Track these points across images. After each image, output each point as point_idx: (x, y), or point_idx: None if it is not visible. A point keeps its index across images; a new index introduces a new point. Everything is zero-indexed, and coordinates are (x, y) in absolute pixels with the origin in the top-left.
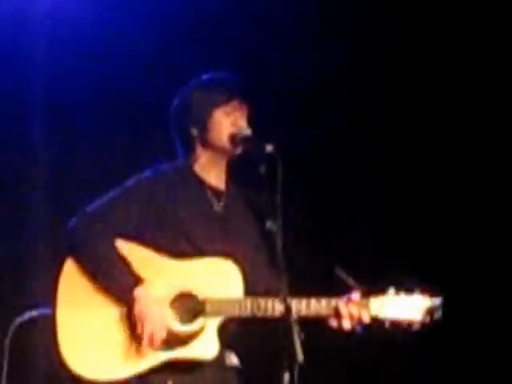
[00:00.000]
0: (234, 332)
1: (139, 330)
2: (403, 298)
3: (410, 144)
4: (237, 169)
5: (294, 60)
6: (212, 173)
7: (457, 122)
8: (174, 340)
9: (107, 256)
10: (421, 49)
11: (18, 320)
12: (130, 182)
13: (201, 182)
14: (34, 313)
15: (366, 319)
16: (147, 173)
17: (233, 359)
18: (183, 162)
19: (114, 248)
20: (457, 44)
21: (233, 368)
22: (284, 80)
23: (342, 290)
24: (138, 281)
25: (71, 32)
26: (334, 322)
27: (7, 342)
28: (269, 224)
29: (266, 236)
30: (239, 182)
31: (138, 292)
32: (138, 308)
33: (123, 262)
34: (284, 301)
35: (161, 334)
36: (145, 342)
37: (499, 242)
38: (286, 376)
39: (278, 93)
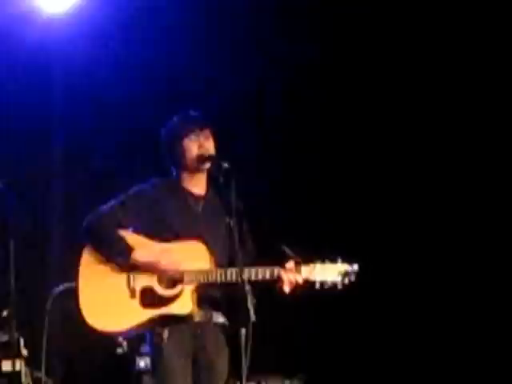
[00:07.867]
0: (219, 297)
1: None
2: (328, 265)
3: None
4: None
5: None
6: (193, 184)
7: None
8: (159, 301)
9: (111, 237)
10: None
11: (56, 290)
12: (133, 189)
13: (185, 191)
14: (68, 285)
15: (300, 281)
16: (147, 184)
17: (219, 318)
18: (173, 177)
19: (116, 233)
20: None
21: (218, 324)
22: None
23: (283, 260)
24: (132, 249)
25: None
26: (278, 287)
27: (48, 307)
28: (228, 220)
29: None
30: (215, 189)
31: (135, 254)
32: (144, 263)
33: (123, 241)
34: (240, 276)
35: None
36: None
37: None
38: (243, 331)
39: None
